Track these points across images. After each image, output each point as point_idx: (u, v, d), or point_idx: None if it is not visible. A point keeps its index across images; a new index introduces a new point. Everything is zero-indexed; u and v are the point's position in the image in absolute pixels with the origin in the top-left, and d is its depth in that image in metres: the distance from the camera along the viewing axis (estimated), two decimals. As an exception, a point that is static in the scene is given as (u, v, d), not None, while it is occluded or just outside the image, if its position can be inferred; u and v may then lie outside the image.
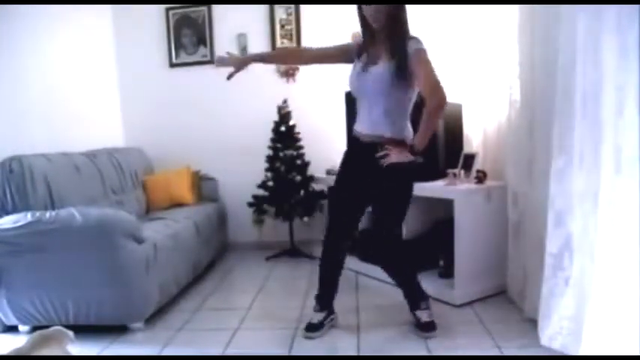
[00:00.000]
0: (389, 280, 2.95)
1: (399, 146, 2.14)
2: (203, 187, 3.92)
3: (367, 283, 3.13)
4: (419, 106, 2.14)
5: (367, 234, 2.66)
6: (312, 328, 2.33)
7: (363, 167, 2.24)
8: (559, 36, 1.88)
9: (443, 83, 2.01)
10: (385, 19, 2.09)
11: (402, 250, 2.37)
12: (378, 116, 2.17)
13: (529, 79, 2.34)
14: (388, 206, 2.24)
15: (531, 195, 2.33)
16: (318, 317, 2.37)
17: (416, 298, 2.36)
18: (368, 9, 2.10)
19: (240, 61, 2.41)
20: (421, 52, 2.06)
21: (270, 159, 3.69)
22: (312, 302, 2.45)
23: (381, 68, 2.12)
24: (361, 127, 2.24)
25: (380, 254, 2.37)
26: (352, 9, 2.25)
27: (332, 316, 2.43)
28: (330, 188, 2.41)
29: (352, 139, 2.33)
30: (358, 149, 2.27)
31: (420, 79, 2.05)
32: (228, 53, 2.41)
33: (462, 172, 2.76)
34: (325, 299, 2.41)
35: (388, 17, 2.08)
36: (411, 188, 2.24)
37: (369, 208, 2.37)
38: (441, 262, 2.84)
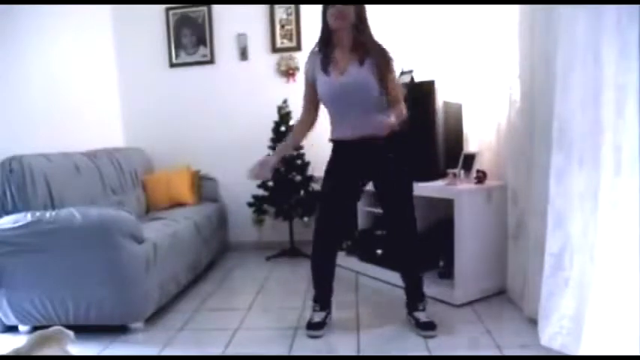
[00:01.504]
0: (389, 280, 2.97)
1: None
2: (203, 187, 3.92)
3: (367, 283, 3.13)
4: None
5: (390, 231, 2.67)
6: (316, 327, 2.34)
7: (358, 167, 2.27)
8: (559, 36, 1.88)
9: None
10: (352, 21, 2.12)
11: (419, 245, 2.38)
12: (362, 118, 2.19)
13: (529, 79, 2.33)
14: (402, 193, 2.29)
15: (531, 195, 2.33)
16: (319, 316, 2.38)
17: (417, 298, 2.37)
18: (333, 9, 2.11)
19: (271, 166, 2.36)
20: (392, 62, 2.19)
21: (270, 159, 3.68)
22: (312, 302, 2.45)
23: (355, 75, 2.15)
24: (347, 132, 2.24)
25: (403, 247, 2.37)
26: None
27: (330, 315, 2.44)
28: (321, 193, 2.40)
29: (338, 144, 2.32)
30: (347, 150, 2.27)
31: (388, 87, 2.18)
32: (261, 166, 2.34)
33: (462, 172, 2.76)
34: (324, 299, 2.43)
35: (355, 18, 2.12)
36: (408, 167, 2.30)
37: (369, 208, 2.37)
38: (441, 262, 2.84)
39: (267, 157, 2.46)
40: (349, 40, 2.18)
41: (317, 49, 2.26)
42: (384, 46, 2.20)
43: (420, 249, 2.39)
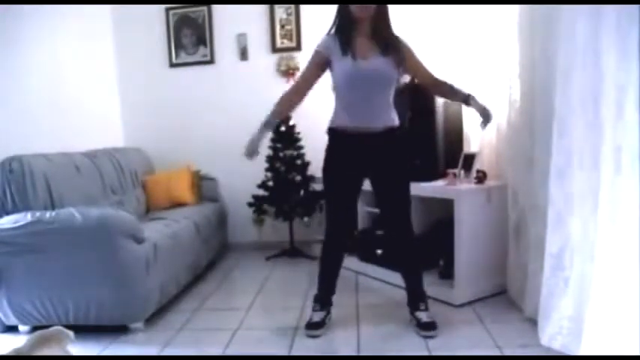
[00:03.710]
0: (389, 279, 2.97)
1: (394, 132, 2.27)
2: (203, 187, 3.92)
3: (367, 283, 3.13)
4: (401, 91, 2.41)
5: (385, 227, 2.70)
6: (315, 326, 2.34)
7: (356, 161, 2.25)
8: (559, 36, 1.88)
9: None
10: (374, 9, 2.14)
11: (417, 244, 2.39)
12: (374, 108, 2.21)
13: (529, 79, 2.33)
14: (400, 192, 2.29)
15: (531, 195, 2.33)
16: (319, 316, 2.38)
17: (418, 297, 2.37)
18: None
19: (258, 140, 2.41)
20: (412, 49, 2.28)
21: (270, 159, 3.69)
22: (312, 302, 2.45)
23: (378, 63, 2.16)
24: (351, 120, 2.21)
25: (399, 243, 2.38)
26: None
27: (330, 315, 2.45)
28: (324, 192, 2.40)
29: (338, 134, 2.27)
30: (347, 143, 2.24)
31: (422, 70, 2.31)
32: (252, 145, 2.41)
33: (462, 172, 2.76)
34: (325, 299, 2.43)
35: (377, 9, 2.15)
36: (407, 161, 2.34)
37: (369, 208, 2.38)
38: (441, 262, 2.84)
39: (253, 136, 2.43)
40: (370, 30, 2.18)
41: (333, 32, 2.23)
42: (402, 38, 2.25)
43: (418, 248, 2.39)
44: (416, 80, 2.52)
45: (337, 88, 2.25)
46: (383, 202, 2.36)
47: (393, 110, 2.27)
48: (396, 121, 2.28)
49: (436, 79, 2.31)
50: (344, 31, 2.20)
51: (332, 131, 2.29)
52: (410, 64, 2.27)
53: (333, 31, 2.24)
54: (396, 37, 2.24)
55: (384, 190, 2.32)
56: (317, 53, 2.26)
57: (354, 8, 2.14)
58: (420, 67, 2.31)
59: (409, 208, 2.31)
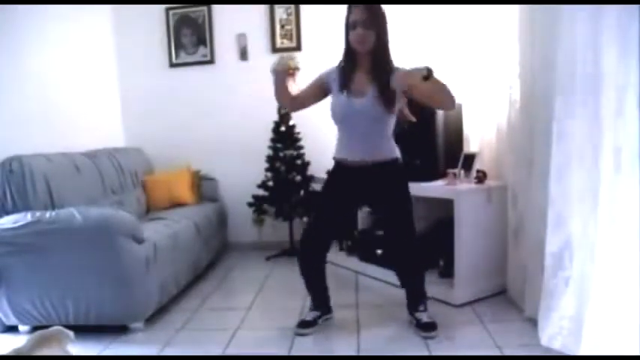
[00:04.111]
0: (389, 280, 2.96)
1: (391, 165, 2.24)
2: (203, 187, 3.92)
3: (367, 283, 3.13)
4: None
5: (389, 246, 2.73)
6: (304, 325, 2.37)
7: (353, 191, 2.28)
8: (559, 36, 1.88)
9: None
10: (373, 45, 2.11)
11: (419, 253, 2.38)
12: (367, 144, 2.20)
13: (529, 79, 2.33)
14: (402, 215, 2.28)
15: (531, 195, 2.33)
16: (311, 315, 2.41)
17: (418, 299, 2.37)
18: (355, 33, 2.11)
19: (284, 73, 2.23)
20: (407, 75, 2.07)
21: (270, 159, 3.69)
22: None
23: (369, 101, 2.13)
24: (350, 155, 2.24)
25: (402, 259, 2.39)
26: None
27: (327, 316, 2.46)
28: (317, 203, 2.44)
29: (338, 163, 2.32)
30: (347, 174, 2.27)
31: (422, 92, 2.06)
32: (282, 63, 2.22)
33: (462, 172, 2.76)
34: (318, 301, 2.45)
35: (376, 43, 2.11)
36: (408, 187, 2.30)
37: (368, 208, 2.39)
38: (441, 262, 2.84)
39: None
40: (369, 65, 2.17)
41: (341, 65, 2.24)
42: (400, 68, 2.14)
43: (420, 256, 2.38)
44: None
45: (334, 121, 2.28)
46: (385, 226, 2.43)
47: (390, 142, 2.25)
48: (394, 152, 2.25)
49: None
50: (345, 67, 2.21)
51: (336, 161, 2.34)
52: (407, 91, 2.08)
53: (341, 63, 2.24)
54: (395, 70, 2.14)
55: (384, 217, 2.38)
56: (320, 78, 2.31)
57: (353, 40, 2.13)
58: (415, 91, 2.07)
59: (412, 228, 2.30)
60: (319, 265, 2.41)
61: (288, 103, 2.36)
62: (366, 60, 2.17)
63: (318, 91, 2.30)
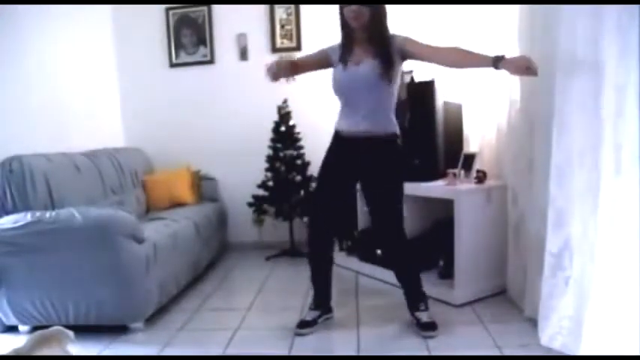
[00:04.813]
0: (389, 280, 2.96)
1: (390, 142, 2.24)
2: (203, 187, 3.93)
3: (367, 283, 3.13)
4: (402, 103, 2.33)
5: (374, 233, 2.69)
6: (303, 325, 2.36)
7: (348, 164, 2.29)
8: (559, 36, 1.88)
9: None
10: (368, 20, 2.15)
11: (409, 247, 2.38)
12: (364, 114, 2.22)
13: (529, 79, 2.33)
14: (389, 199, 2.27)
15: (531, 195, 2.33)
16: (311, 315, 2.41)
17: (416, 298, 2.37)
18: (349, 10, 2.14)
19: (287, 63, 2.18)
20: (409, 38, 2.20)
21: (270, 159, 3.69)
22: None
23: (367, 68, 2.17)
24: (346, 125, 2.28)
25: (388, 249, 2.40)
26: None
27: (327, 316, 2.46)
28: (316, 182, 2.47)
29: (336, 133, 2.35)
30: (343, 146, 2.30)
31: (431, 52, 2.17)
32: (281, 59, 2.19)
33: (462, 172, 2.76)
34: (319, 298, 2.44)
35: (370, 17, 2.14)
36: (401, 173, 2.31)
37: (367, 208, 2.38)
38: (441, 262, 2.83)
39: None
40: (366, 37, 2.20)
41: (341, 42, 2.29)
42: (398, 34, 2.21)
43: (410, 250, 2.37)
44: (434, 64, 2.31)
45: (334, 93, 2.31)
46: (370, 208, 2.34)
47: (389, 116, 2.26)
48: (391, 127, 2.26)
49: (449, 53, 2.18)
50: (344, 42, 2.26)
51: (335, 132, 2.37)
52: (415, 52, 2.18)
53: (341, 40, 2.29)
54: (392, 37, 2.21)
55: (371, 195, 2.33)
56: (324, 50, 2.36)
57: (347, 17, 2.17)
58: (428, 50, 2.18)
59: (398, 214, 2.28)
60: (326, 248, 2.41)
61: (288, 75, 2.25)
62: (362, 33, 2.20)
63: (321, 61, 2.34)
